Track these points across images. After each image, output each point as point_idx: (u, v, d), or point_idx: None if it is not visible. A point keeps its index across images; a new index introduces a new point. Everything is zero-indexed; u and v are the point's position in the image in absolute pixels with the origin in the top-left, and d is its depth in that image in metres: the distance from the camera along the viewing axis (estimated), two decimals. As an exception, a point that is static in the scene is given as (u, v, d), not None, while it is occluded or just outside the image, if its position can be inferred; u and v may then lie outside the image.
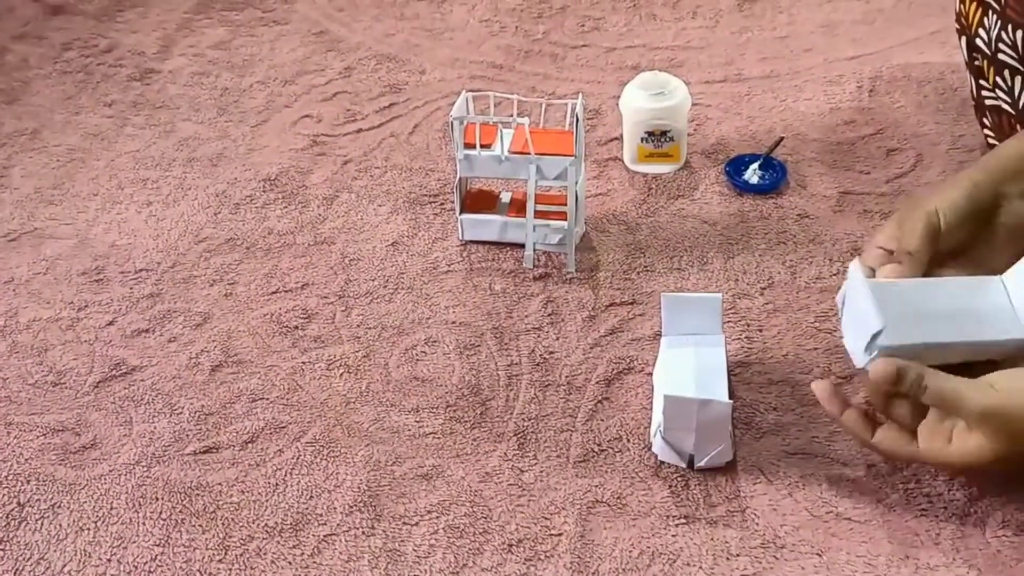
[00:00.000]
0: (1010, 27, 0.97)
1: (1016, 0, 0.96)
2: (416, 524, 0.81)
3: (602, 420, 0.88)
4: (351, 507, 0.82)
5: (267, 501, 0.83)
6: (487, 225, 1.05)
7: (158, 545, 0.80)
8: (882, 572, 0.76)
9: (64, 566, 0.79)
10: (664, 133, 1.12)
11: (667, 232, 1.07)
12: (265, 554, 0.79)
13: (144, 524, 0.82)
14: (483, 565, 0.78)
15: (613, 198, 1.11)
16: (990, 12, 1.00)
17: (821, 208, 1.08)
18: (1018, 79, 1.00)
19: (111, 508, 0.83)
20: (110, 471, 0.86)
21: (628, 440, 0.86)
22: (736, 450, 0.84)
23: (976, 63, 1.05)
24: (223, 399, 0.92)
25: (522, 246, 1.04)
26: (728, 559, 0.77)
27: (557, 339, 0.96)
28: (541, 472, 0.84)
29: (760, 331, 0.95)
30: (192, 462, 0.86)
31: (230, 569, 0.78)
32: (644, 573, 0.77)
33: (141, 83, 1.35)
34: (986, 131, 1.09)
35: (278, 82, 1.34)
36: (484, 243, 1.06)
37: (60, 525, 0.82)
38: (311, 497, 0.83)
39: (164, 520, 0.82)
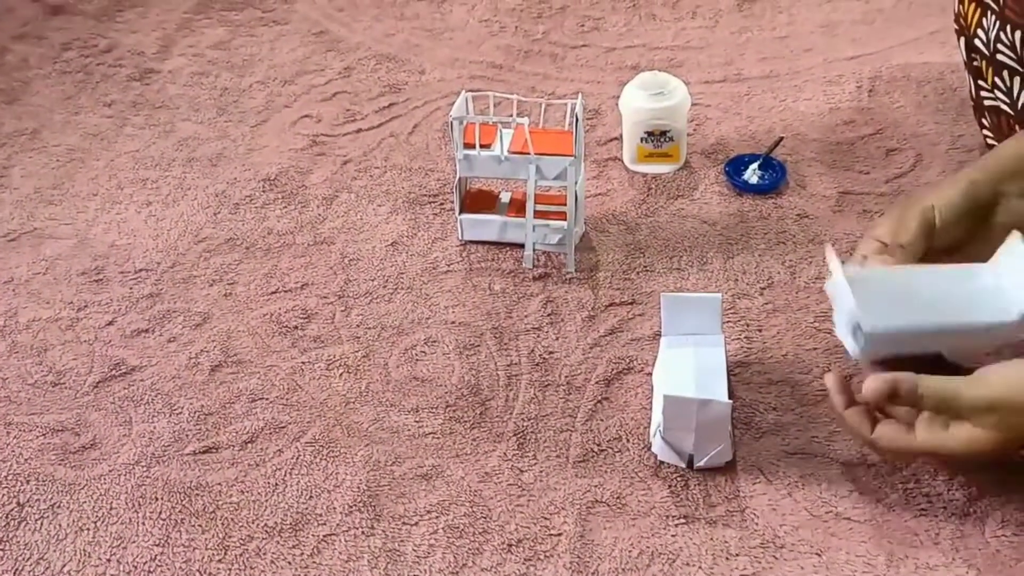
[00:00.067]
0: (1009, 28, 0.97)
1: (1015, 1, 0.96)
2: (416, 524, 0.81)
3: (602, 420, 0.88)
4: (351, 507, 0.82)
5: (267, 501, 0.83)
6: (487, 225, 1.05)
7: (158, 545, 0.80)
8: (881, 572, 0.76)
9: (64, 566, 0.79)
10: (664, 133, 1.12)
11: (667, 232, 1.07)
12: (265, 554, 0.79)
13: (144, 524, 0.82)
14: (483, 565, 0.78)
15: (613, 198, 1.11)
16: (989, 13, 1.00)
17: (821, 208, 1.08)
18: (1017, 80, 1.00)
19: (111, 508, 0.83)
20: (110, 471, 0.86)
21: (628, 440, 0.86)
22: (736, 450, 0.84)
23: (975, 64, 1.05)
24: (223, 399, 0.92)
25: (522, 246, 1.04)
26: (728, 559, 0.77)
27: (557, 339, 0.96)
28: (541, 472, 0.84)
29: (760, 331, 0.95)
30: (192, 462, 0.86)
31: (230, 569, 0.78)
32: (644, 573, 0.77)
33: (141, 83, 1.35)
34: (985, 131, 1.09)
35: (278, 82, 1.34)
36: (484, 243, 1.06)
37: (60, 525, 0.82)
38: (311, 497, 0.83)
39: (164, 520, 0.82)
